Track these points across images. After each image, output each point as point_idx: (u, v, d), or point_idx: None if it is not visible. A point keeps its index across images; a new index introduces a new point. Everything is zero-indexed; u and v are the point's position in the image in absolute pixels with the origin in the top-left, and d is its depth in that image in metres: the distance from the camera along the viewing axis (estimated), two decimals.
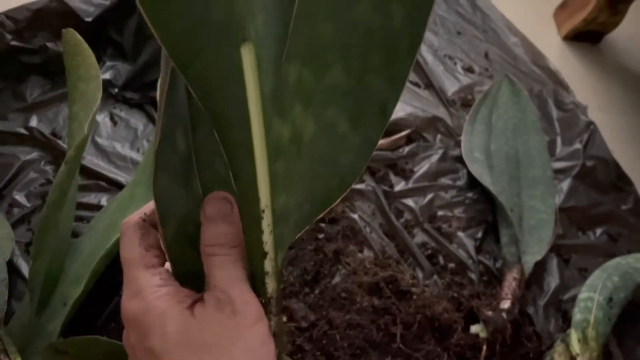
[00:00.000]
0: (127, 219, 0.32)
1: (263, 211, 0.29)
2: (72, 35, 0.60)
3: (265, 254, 0.30)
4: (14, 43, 0.76)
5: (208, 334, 0.28)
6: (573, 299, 0.67)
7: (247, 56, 0.26)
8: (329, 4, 0.26)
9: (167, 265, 0.32)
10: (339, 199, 0.30)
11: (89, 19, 0.78)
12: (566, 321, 0.66)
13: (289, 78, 0.27)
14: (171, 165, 0.29)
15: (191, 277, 0.31)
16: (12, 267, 0.62)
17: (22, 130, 0.73)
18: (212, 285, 0.30)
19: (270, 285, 0.31)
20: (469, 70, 0.92)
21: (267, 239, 0.29)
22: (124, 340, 0.32)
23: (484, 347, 0.59)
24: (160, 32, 0.23)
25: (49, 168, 0.71)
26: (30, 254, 0.64)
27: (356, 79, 0.28)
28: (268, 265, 0.30)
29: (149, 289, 0.29)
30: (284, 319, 0.62)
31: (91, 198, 0.70)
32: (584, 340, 0.61)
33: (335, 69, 0.27)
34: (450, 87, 0.88)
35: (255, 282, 0.31)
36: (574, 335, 0.61)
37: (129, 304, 0.30)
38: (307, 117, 0.28)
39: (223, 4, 0.24)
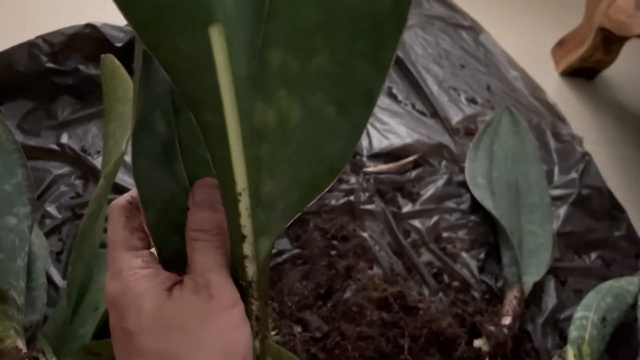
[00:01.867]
0: (115, 201, 0.32)
1: (240, 194, 0.29)
2: (111, 60, 0.65)
3: (243, 237, 0.30)
4: (48, 65, 0.81)
5: (181, 316, 0.29)
6: (569, 318, 0.71)
7: (217, 38, 0.25)
8: None
9: (154, 249, 0.32)
10: (328, 187, 0.30)
11: (119, 44, 0.83)
12: (562, 339, 0.70)
13: (272, 63, 0.27)
14: (151, 150, 0.30)
15: (175, 261, 0.32)
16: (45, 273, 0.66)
17: (54, 147, 0.78)
18: (192, 269, 0.30)
19: (250, 269, 0.30)
20: (472, 101, 0.97)
21: (246, 222, 0.29)
22: (109, 322, 0.32)
23: None
24: (128, 13, 0.24)
25: (78, 182, 0.76)
26: (67, 262, 0.68)
27: (342, 64, 0.27)
28: (247, 248, 0.30)
29: (129, 271, 0.30)
30: (299, 329, 0.66)
31: None
32: (579, 356, 0.65)
33: (321, 54, 0.27)
34: (455, 117, 0.94)
35: (236, 266, 0.31)
36: (570, 351, 0.65)
37: (109, 284, 0.30)
38: (292, 102, 0.28)
39: None
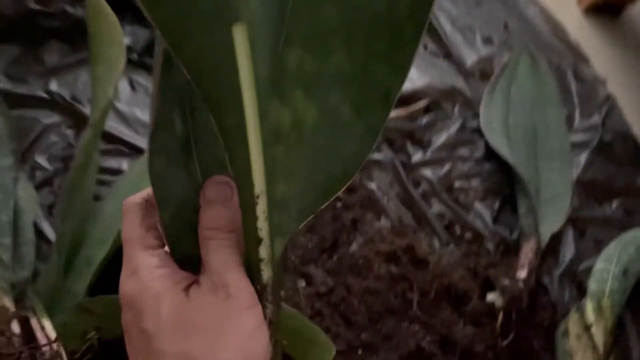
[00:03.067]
0: (129, 198, 0.31)
1: (258, 197, 0.28)
2: (96, 0, 0.60)
3: (260, 240, 0.29)
4: (34, 7, 0.75)
5: (201, 317, 0.28)
6: (588, 270, 0.67)
7: (240, 38, 0.25)
8: None
9: (167, 247, 0.32)
10: (342, 189, 0.29)
11: None
12: (581, 292, 0.67)
13: (289, 63, 0.27)
14: (169, 149, 0.29)
15: (189, 261, 0.31)
16: (35, 229, 0.63)
17: (43, 94, 0.73)
18: (207, 268, 0.29)
19: (266, 272, 0.30)
20: (488, 41, 0.91)
21: (262, 225, 0.29)
22: (121, 320, 0.31)
23: (500, 315, 0.60)
24: (151, 13, 0.23)
25: (69, 132, 0.72)
26: (55, 216, 0.65)
27: (360, 65, 0.27)
28: (263, 251, 0.30)
29: (146, 270, 0.29)
30: (303, 284, 0.63)
31: (112, 162, 0.70)
32: (599, 310, 0.62)
33: (339, 54, 0.27)
34: (469, 58, 0.88)
35: (251, 268, 0.30)
36: (589, 305, 0.62)
37: (125, 284, 0.30)
38: (308, 103, 0.28)
39: None
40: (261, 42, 0.26)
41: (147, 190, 0.31)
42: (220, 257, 0.29)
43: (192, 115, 0.29)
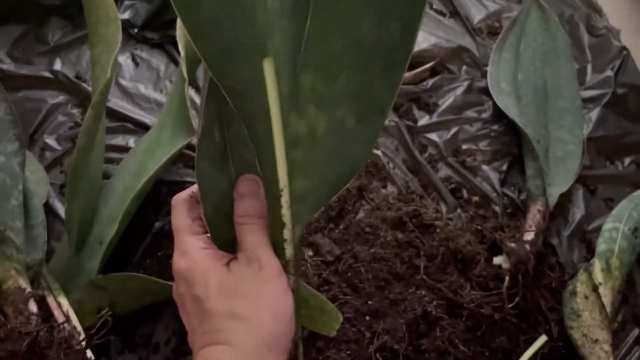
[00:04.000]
0: (178, 195, 0.39)
1: (282, 190, 0.35)
2: None
3: (283, 225, 0.36)
4: None
5: (240, 284, 0.35)
6: (598, 229, 0.67)
7: (268, 68, 0.32)
8: (340, 24, 0.32)
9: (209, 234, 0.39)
10: (350, 183, 0.36)
11: None
12: (590, 252, 0.67)
13: (304, 85, 0.33)
14: (210, 155, 0.36)
15: (226, 244, 0.38)
16: (48, 208, 0.65)
17: (47, 74, 0.74)
18: (242, 247, 0.36)
19: (288, 250, 0.37)
20: None
21: (286, 212, 0.36)
22: (174, 292, 0.38)
23: (507, 278, 0.60)
24: (201, 50, 0.30)
25: (76, 111, 0.73)
26: (65, 196, 0.66)
27: (361, 85, 0.33)
28: (286, 234, 0.36)
29: (194, 250, 0.36)
30: (310, 253, 0.64)
31: (119, 140, 0.71)
32: (607, 269, 0.62)
33: (343, 77, 0.33)
34: (477, 15, 0.85)
35: (276, 247, 0.37)
36: (597, 265, 0.62)
37: (178, 262, 0.37)
38: (320, 116, 0.34)
39: (247, 29, 0.32)
40: (283, 70, 0.33)
41: (192, 188, 0.39)
42: (252, 238, 0.36)
43: (229, 128, 0.37)
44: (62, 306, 0.54)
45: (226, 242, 0.38)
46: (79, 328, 0.53)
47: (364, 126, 0.34)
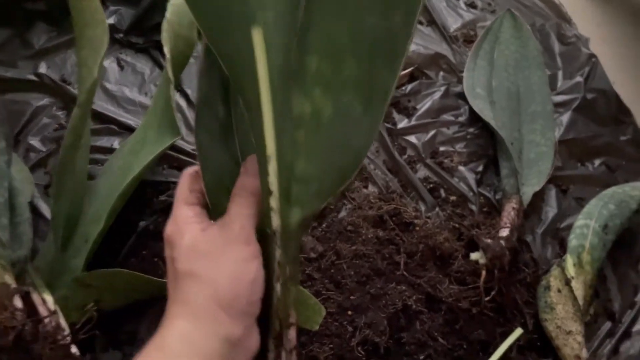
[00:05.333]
0: (186, 169, 0.41)
1: (269, 157, 0.36)
2: None
3: (270, 192, 0.36)
4: None
5: (207, 245, 0.37)
6: (570, 227, 0.69)
7: (257, 38, 0.33)
8: (343, 12, 0.33)
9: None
10: (355, 173, 0.36)
11: None
12: (562, 248, 0.69)
13: (309, 67, 0.34)
14: (210, 127, 0.37)
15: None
16: (33, 208, 0.65)
17: (32, 77, 0.75)
18: (226, 214, 0.38)
19: (275, 219, 0.37)
20: (471, 5, 0.91)
21: (273, 180, 0.36)
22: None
23: (483, 273, 0.62)
24: (199, 20, 0.33)
25: (60, 113, 0.73)
26: (50, 195, 0.67)
27: (366, 71, 0.34)
28: (273, 202, 0.37)
29: (182, 218, 0.38)
30: None
31: (104, 141, 0.72)
32: (579, 264, 0.64)
33: (349, 63, 0.34)
34: (453, 24, 0.88)
35: (264, 216, 0.38)
36: (569, 260, 0.64)
37: (167, 227, 0.39)
38: (326, 99, 0.35)
39: (239, 1, 0.33)
40: (274, 43, 0.34)
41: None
42: (238, 208, 0.38)
43: (235, 107, 0.39)
44: (46, 302, 0.55)
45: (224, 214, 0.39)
46: (64, 324, 0.53)
47: (368, 113, 0.35)
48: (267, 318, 0.40)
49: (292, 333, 0.40)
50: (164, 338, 0.36)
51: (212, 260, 0.36)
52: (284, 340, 0.40)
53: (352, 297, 0.62)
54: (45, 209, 0.66)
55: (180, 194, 0.40)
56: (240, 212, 0.38)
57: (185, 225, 0.38)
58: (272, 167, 0.36)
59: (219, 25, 0.33)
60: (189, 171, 0.40)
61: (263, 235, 0.38)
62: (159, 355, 0.35)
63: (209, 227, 0.38)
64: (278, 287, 0.38)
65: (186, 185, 0.40)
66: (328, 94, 0.35)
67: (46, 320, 0.51)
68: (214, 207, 0.39)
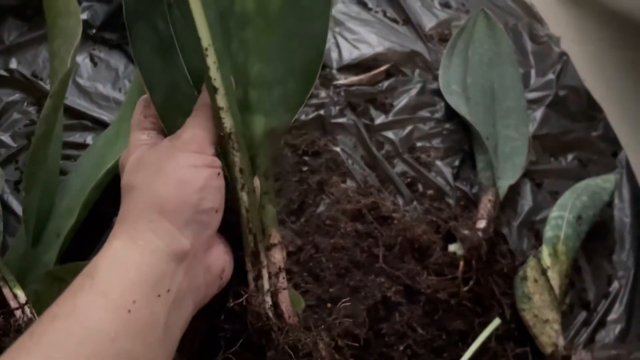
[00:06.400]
0: (142, 96, 0.38)
1: (206, 49, 0.32)
2: None
3: (215, 89, 0.33)
4: None
5: (152, 157, 0.34)
6: (545, 219, 0.70)
7: None
8: None
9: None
10: (319, 71, 0.33)
11: None
12: (538, 240, 0.70)
13: None
14: (150, 41, 0.34)
15: None
16: (3, 204, 0.64)
17: (3, 72, 0.73)
18: (181, 128, 0.35)
19: (227, 120, 0.34)
20: (445, 5, 0.93)
21: (215, 75, 0.33)
22: None
23: (461, 264, 0.63)
24: None
25: (32, 109, 0.72)
26: (20, 190, 0.65)
27: None
28: (221, 100, 0.33)
29: (135, 142, 0.37)
30: None
31: (76, 137, 0.71)
32: (554, 254, 0.65)
33: None
34: (428, 23, 0.90)
35: (216, 120, 0.35)
36: (545, 250, 0.65)
37: (122, 154, 0.38)
38: None
39: None
40: None
41: None
42: (194, 119, 0.35)
43: (171, 13, 0.36)
44: (18, 297, 0.53)
45: None
46: (36, 317, 0.52)
47: None
48: (236, 232, 0.36)
49: (276, 255, 0.37)
50: (94, 263, 0.31)
51: (153, 170, 0.33)
52: (261, 258, 0.36)
53: (331, 290, 0.62)
54: (16, 205, 0.65)
55: (134, 121, 0.38)
56: (195, 123, 0.35)
57: (135, 147, 0.36)
58: (212, 60, 0.33)
59: None
60: (143, 97, 0.38)
61: (225, 149, 0.35)
62: (86, 282, 0.30)
63: (159, 142, 0.36)
64: (244, 196, 0.35)
65: (140, 110, 0.38)
66: None
67: (17, 314, 0.49)
68: (169, 130, 0.37)
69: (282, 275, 0.37)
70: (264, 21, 0.33)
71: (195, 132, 0.34)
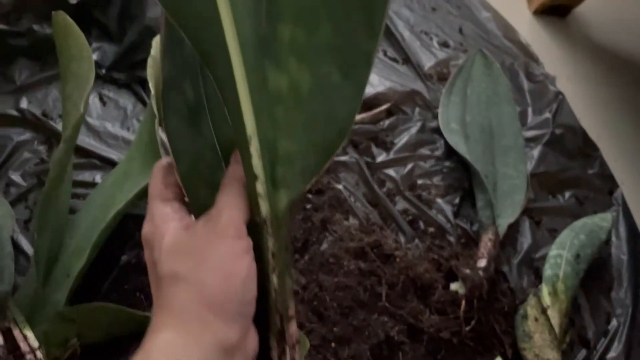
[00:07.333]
0: (158, 161, 0.37)
1: (250, 137, 0.33)
2: (62, 17, 0.62)
3: (256, 177, 0.33)
4: (1, 27, 0.77)
5: (191, 242, 0.33)
6: (544, 257, 0.72)
7: (223, 5, 0.30)
8: None
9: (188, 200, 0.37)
10: (340, 147, 0.33)
11: (74, 1, 0.79)
12: (538, 278, 0.71)
13: (283, 36, 0.32)
14: (179, 110, 0.34)
15: (204, 212, 0.35)
16: (12, 243, 0.64)
17: (14, 112, 0.75)
18: (213, 207, 0.34)
19: (264, 206, 0.34)
20: (444, 45, 0.95)
21: (257, 163, 0.33)
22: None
23: (463, 303, 0.64)
24: None
25: (42, 148, 0.73)
26: (31, 229, 0.66)
27: (343, 35, 0.31)
28: (260, 187, 0.34)
29: (160, 216, 0.35)
30: None
31: (85, 176, 0.72)
32: (554, 293, 0.66)
33: (324, 27, 0.31)
34: (427, 62, 0.92)
35: (252, 204, 0.34)
36: (545, 289, 0.66)
37: (144, 227, 0.36)
38: (302, 70, 0.32)
39: None
40: (242, 10, 0.31)
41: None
42: (227, 197, 0.34)
43: (204, 81, 0.35)
44: (28, 338, 0.54)
45: (205, 208, 0.35)
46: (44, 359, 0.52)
47: (349, 81, 0.32)
48: (264, 314, 0.37)
49: (292, 327, 0.37)
50: (148, 353, 0.32)
51: (197, 259, 0.33)
52: (286, 335, 0.37)
53: (335, 329, 0.63)
54: (25, 244, 0.66)
55: (155, 190, 0.36)
56: (228, 203, 0.34)
57: (164, 224, 0.34)
58: (255, 148, 0.33)
59: None
60: (160, 163, 0.37)
61: (252, 226, 0.35)
62: None
63: (192, 224, 0.34)
64: (274, 279, 0.35)
65: (159, 179, 0.36)
66: (304, 64, 0.32)
67: (28, 357, 0.50)
68: (192, 201, 0.36)
69: (298, 346, 0.38)
70: (294, 99, 0.33)
71: (230, 215, 0.33)
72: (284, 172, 0.34)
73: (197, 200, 0.36)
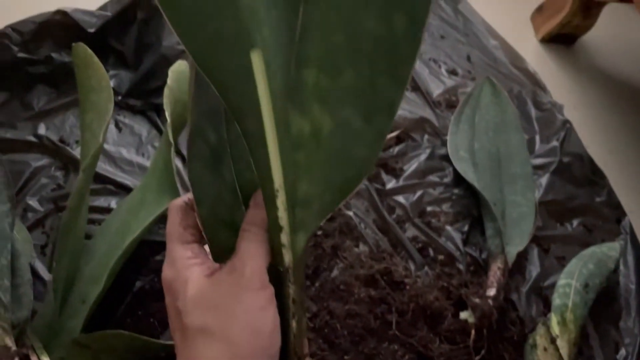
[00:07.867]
0: (173, 201, 0.37)
1: (277, 191, 0.33)
2: (83, 49, 0.64)
3: (281, 228, 0.34)
4: (20, 55, 0.79)
5: (216, 294, 0.34)
6: (552, 285, 0.72)
7: (257, 60, 0.31)
8: (340, 18, 0.30)
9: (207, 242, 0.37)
10: (356, 189, 0.34)
11: (92, 30, 0.81)
12: (547, 306, 0.72)
13: (307, 82, 0.32)
14: (204, 156, 0.35)
15: (224, 254, 0.36)
16: (30, 268, 0.66)
17: (32, 138, 0.77)
18: (235, 254, 0.35)
19: (287, 256, 0.35)
20: (452, 72, 0.97)
21: (282, 215, 0.34)
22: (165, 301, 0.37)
23: (473, 332, 0.64)
24: (186, 42, 0.29)
25: (59, 174, 0.75)
26: (52, 255, 0.68)
27: (366, 81, 0.31)
28: (284, 238, 0.35)
29: (180, 260, 0.35)
30: None
31: (101, 201, 0.73)
32: (563, 323, 0.67)
33: (348, 73, 0.31)
34: (436, 90, 0.94)
35: (275, 253, 0.35)
36: (554, 319, 0.67)
37: (165, 271, 0.36)
38: (324, 114, 0.33)
39: (231, 20, 0.30)
40: (274, 63, 0.31)
41: (189, 195, 0.37)
42: (249, 245, 0.34)
43: (228, 128, 0.36)
44: None
45: (225, 250, 0.36)
46: None
47: (371, 126, 0.32)
48: (282, 355, 0.37)
49: None
50: None
51: (225, 314, 0.33)
52: None
53: (346, 357, 0.63)
54: (42, 269, 0.67)
55: (173, 232, 0.36)
56: (251, 252, 0.34)
57: (185, 269, 0.35)
58: (281, 201, 0.33)
59: (210, 49, 0.30)
60: (177, 204, 0.37)
61: (272, 271, 0.36)
62: None
63: (216, 272, 0.35)
64: (294, 324, 0.36)
65: (178, 221, 0.36)
66: (326, 109, 0.32)
67: None
68: (211, 243, 0.37)
69: None
70: (315, 143, 0.33)
71: (254, 265, 0.34)
72: (302, 214, 0.34)
73: (216, 242, 0.36)
